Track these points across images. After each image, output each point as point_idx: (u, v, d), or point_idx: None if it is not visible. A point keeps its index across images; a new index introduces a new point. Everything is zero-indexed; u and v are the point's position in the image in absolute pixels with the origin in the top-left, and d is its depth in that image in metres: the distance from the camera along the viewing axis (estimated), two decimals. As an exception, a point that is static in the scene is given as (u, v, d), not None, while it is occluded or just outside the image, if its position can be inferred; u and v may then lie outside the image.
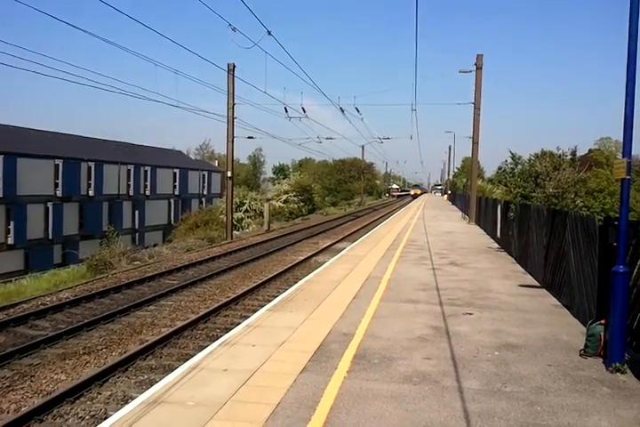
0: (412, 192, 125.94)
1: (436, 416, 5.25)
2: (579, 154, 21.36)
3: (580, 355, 7.16)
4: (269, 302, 11.08)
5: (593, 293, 8.11)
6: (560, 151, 19.06)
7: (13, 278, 29.30)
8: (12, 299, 17.09)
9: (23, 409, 7.56)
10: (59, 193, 43.73)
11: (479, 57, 30.11)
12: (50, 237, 42.33)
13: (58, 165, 43.63)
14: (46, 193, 42.42)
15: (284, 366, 6.62)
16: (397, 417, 5.23)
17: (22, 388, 8.51)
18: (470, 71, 30.13)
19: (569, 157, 18.85)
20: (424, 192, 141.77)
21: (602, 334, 6.98)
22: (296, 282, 13.46)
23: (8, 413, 7.58)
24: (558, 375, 6.44)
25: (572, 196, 17.99)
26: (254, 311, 10.81)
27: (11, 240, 39.09)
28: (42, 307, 13.76)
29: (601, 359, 6.92)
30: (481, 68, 29.94)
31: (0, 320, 12.40)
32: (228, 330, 9.52)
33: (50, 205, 42.70)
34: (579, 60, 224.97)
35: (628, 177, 6.50)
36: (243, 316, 12.18)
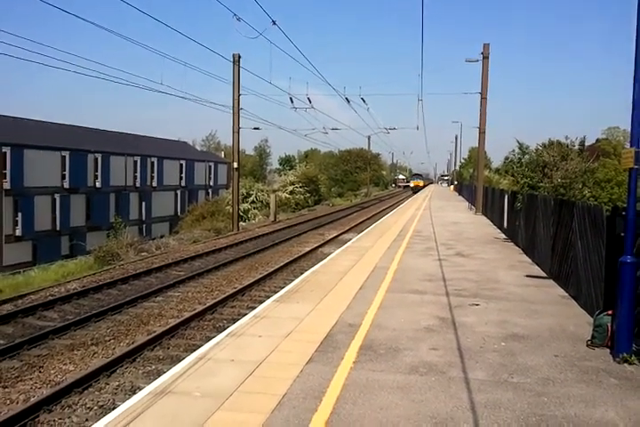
0: (411, 184, 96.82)
1: (442, 407, 5.25)
2: (586, 144, 21.16)
3: (587, 346, 7.14)
4: (276, 293, 11.11)
5: (600, 283, 8.07)
6: (568, 141, 18.86)
7: (21, 270, 29.51)
8: (21, 290, 17.20)
9: (32, 399, 7.63)
10: (66, 185, 43.88)
11: (486, 46, 29.88)
12: (57, 228, 42.54)
13: (65, 156, 43.74)
14: (53, 185, 42.58)
15: (291, 356, 6.64)
16: (404, 408, 5.23)
17: (31, 378, 8.58)
18: (477, 60, 29.92)
19: (577, 146, 18.67)
20: (429, 183, 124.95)
21: (609, 324, 6.96)
22: (302, 273, 13.48)
23: (17, 403, 7.65)
24: (565, 366, 6.43)
25: (580, 186, 17.83)
26: (261, 302, 10.84)
27: (18, 232, 39.30)
28: (50, 298, 13.85)
29: (608, 350, 6.90)
30: (487, 58, 29.72)
31: (9, 311, 12.50)
32: (234, 321, 9.54)
33: (57, 196, 42.86)
34: (586, 51, 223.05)
35: (636, 166, 6.44)
36: (249, 307, 12.22)
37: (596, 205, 9.30)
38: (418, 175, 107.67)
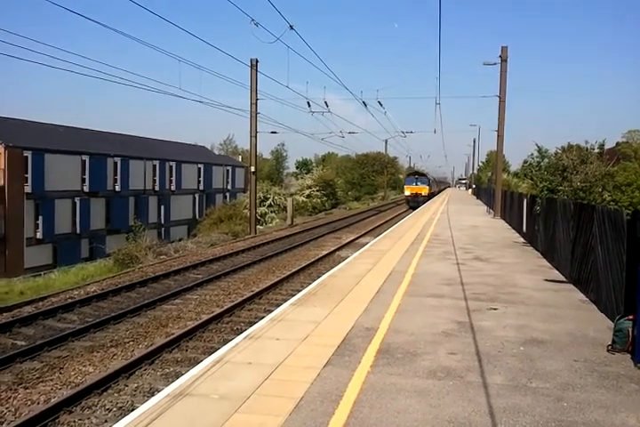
0: (406, 192, 56.22)
1: (460, 412, 5.22)
2: (606, 147, 20.94)
3: (608, 351, 7.06)
4: (293, 296, 11.12)
5: (621, 288, 7.98)
6: (588, 145, 18.72)
7: (42, 272, 29.87)
8: (41, 292, 17.44)
9: (53, 400, 7.72)
10: (86, 188, 44.34)
11: (504, 49, 29.69)
12: (77, 231, 42.97)
13: (85, 160, 44.21)
14: (74, 188, 43.04)
15: (308, 360, 6.64)
16: (421, 412, 5.21)
17: (52, 379, 8.68)
18: (495, 63, 29.76)
19: (596, 150, 18.51)
20: (445, 188, 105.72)
21: (630, 329, 6.87)
22: (319, 276, 13.47)
23: (38, 404, 7.75)
24: (585, 371, 6.36)
25: (600, 189, 17.67)
26: (278, 305, 10.86)
27: (39, 235, 39.77)
28: (70, 300, 14.01)
29: (629, 355, 6.82)
30: (506, 61, 29.53)
31: (30, 313, 12.66)
32: (252, 324, 9.58)
33: (77, 200, 43.33)
34: (605, 54, 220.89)
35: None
36: (267, 310, 12.25)
37: (617, 209, 9.20)
38: (417, 175, 58.73)
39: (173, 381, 6.53)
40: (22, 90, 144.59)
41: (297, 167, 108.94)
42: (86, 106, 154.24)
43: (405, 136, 53.54)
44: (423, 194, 54.07)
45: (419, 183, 54.79)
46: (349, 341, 7.40)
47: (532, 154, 19.94)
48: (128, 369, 8.71)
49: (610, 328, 7.57)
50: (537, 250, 16.90)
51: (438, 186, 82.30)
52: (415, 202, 51.79)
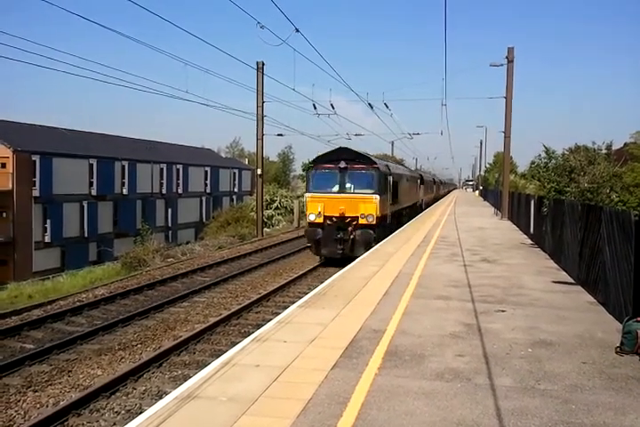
0: (310, 215, 19.11)
1: (468, 414, 5.21)
2: (614, 148, 20.88)
3: (616, 352, 7.02)
4: (300, 298, 11.12)
5: (629, 289, 7.94)
6: (595, 146, 18.67)
7: (50, 276, 30.00)
8: (50, 296, 17.51)
9: (62, 403, 7.77)
10: (93, 192, 44.57)
11: (510, 50, 29.62)
12: (85, 235, 43.17)
13: (92, 164, 44.46)
14: (81, 192, 43.27)
15: (315, 362, 6.64)
16: (429, 414, 5.21)
17: (60, 382, 8.73)
18: (501, 65, 29.68)
19: (604, 151, 18.46)
20: (446, 192, 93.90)
21: (639, 331, 6.84)
22: (326, 279, 13.48)
23: (47, 406, 7.79)
24: (593, 373, 6.33)
25: (608, 191, 17.61)
26: (285, 308, 10.88)
27: (48, 238, 39.99)
28: (78, 304, 14.08)
29: (637, 357, 6.78)
30: (512, 61, 29.44)
31: (38, 317, 12.74)
32: (259, 326, 9.59)
33: (85, 203, 43.55)
34: (613, 55, 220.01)
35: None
36: (274, 312, 12.28)
37: (625, 210, 9.16)
38: (346, 163, 19.39)
39: (181, 383, 6.55)
40: (25, 92, 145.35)
41: (303, 170, 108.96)
42: (91, 109, 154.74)
43: (412, 138, 53.17)
44: (362, 220, 19.74)
45: (350, 186, 20.25)
46: (357, 343, 7.39)
47: (539, 155, 19.89)
48: (136, 372, 8.75)
49: (618, 330, 7.53)
50: (544, 251, 16.84)
51: (428, 190, 48.38)
52: (334, 244, 19.28)
